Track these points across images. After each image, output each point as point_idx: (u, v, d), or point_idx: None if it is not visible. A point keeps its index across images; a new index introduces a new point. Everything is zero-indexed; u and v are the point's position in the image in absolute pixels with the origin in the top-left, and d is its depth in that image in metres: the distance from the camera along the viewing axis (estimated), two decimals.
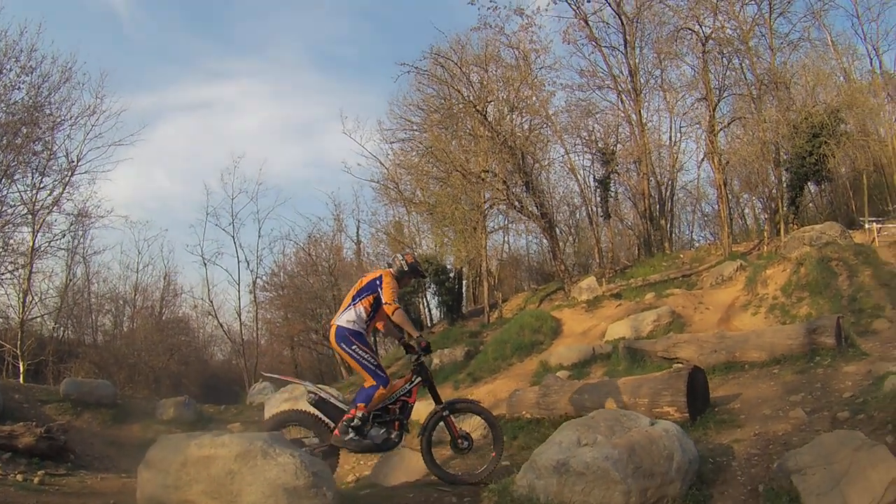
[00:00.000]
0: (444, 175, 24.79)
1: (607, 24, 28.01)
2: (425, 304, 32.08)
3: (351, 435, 5.97)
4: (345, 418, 6.02)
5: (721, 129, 25.06)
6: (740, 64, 25.28)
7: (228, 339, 32.72)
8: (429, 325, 30.64)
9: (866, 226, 19.85)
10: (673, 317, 15.46)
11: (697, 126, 27.04)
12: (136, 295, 30.00)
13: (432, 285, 27.60)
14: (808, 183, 23.13)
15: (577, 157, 29.63)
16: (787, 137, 22.01)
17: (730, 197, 25.78)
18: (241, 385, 28.04)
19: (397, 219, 32.85)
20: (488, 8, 25.79)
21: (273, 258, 38.52)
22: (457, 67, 25.26)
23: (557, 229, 27.50)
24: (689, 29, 24.99)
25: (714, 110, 24.55)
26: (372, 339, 6.48)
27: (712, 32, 24.33)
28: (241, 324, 30.45)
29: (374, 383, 6.06)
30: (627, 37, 27.24)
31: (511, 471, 6.13)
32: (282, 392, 13.90)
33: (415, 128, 28.19)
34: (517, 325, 18.26)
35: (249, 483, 4.83)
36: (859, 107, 22.45)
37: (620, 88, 27.77)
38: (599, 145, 28.13)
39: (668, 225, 28.68)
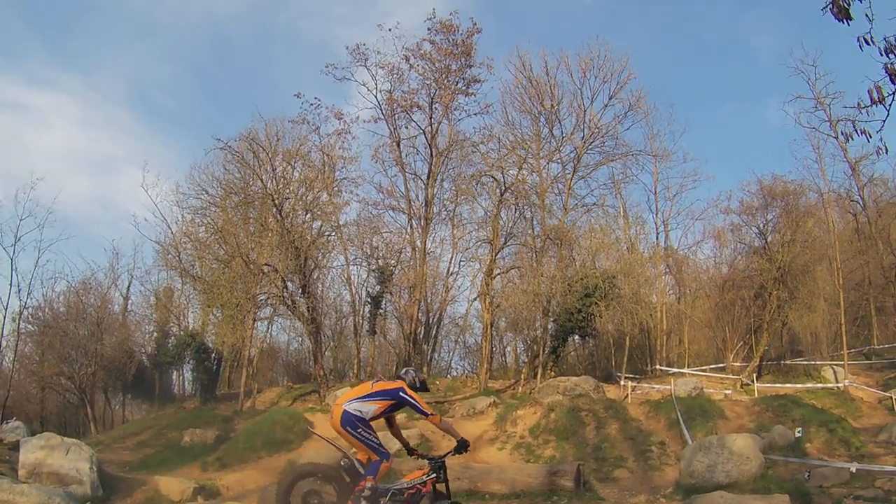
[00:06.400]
0: (227, 258, 24.67)
1: (417, 150, 29.23)
2: (182, 375, 31.64)
3: None
4: (356, 489, 6.45)
5: (498, 274, 26.07)
6: (531, 216, 26.81)
7: None
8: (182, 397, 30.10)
9: (622, 382, 20.99)
10: (421, 440, 15.84)
11: (477, 264, 28.12)
12: None
13: (191, 360, 27.34)
14: (573, 335, 24.22)
15: (355, 269, 30.22)
16: (561, 293, 23.12)
17: (494, 335, 26.60)
18: None
19: (170, 285, 31.75)
20: (311, 104, 27.16)
21: (43, 292, 34.53)
22: (266, 157, 25.31)
23: (322, 333, 27.52)
24: (492, 176, 26.31)
25: (496, 254, 25.62)
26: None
27: (512, 184, 25.78)
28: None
29: (378, 459, 6.64)
30: (433, 168, 28.30)
31: None
32: (39, 438, 13.10)
33: (210, 201, 27.58)
34: (270, 420, 19.11)
35: None
36: (636, 276, 24.22)
37: (413, 214, 28.72)
38: (380, 263, 28.63)
39: (430, 350, 29.44)
